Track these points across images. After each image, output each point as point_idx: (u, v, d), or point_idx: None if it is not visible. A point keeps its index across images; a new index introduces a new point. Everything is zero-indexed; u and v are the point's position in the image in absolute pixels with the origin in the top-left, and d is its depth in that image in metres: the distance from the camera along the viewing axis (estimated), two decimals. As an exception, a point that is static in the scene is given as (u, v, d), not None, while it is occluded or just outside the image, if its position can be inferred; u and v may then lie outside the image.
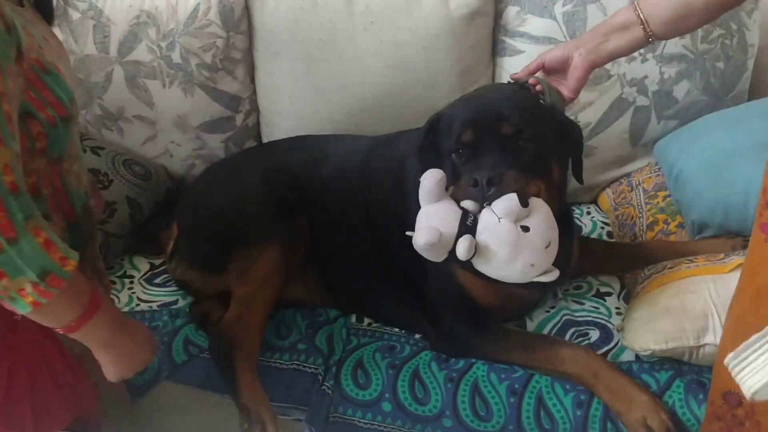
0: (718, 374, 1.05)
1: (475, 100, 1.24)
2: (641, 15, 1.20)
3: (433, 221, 1.07)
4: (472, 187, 1.10)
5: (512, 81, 1.33)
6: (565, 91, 1.27)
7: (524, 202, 1.05)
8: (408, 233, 1.09)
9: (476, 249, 1.05)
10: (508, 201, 1.05)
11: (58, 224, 1.01)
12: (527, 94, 1.26)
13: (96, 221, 1.16)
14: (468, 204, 1.10)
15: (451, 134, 1.19)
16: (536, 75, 1.31)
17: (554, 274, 1.09)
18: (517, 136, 1.15)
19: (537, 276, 1.09)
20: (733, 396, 1.01)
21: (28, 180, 0.93)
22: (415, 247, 1.06)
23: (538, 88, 1.27)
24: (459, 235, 1.05)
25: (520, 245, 1.05)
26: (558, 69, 1.28)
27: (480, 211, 1.09)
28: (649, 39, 1.21)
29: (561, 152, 1.23)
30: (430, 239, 1.04)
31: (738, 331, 0.99)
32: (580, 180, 1.28)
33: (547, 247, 1.07)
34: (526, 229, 1.05)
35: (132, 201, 1.68)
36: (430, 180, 1.10)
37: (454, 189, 1.15)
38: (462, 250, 1.04)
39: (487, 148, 1.14)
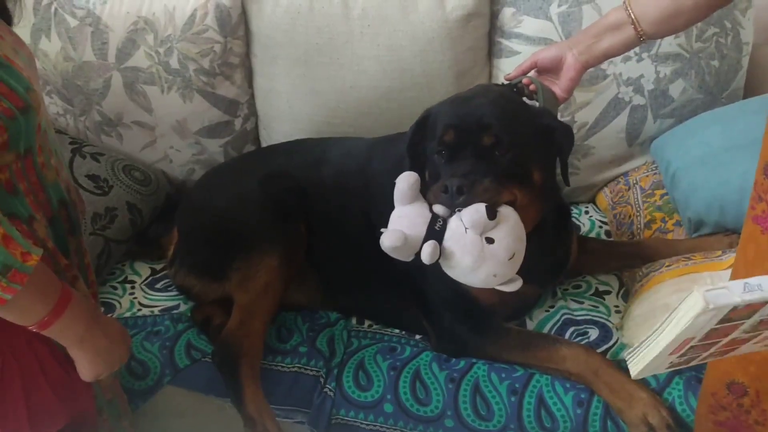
0: (718, 366, 1.06)
1: (461, 102, 1.24)
2: (632, 15, 1.21)
3: (402, 223, 1.10)
4: (443, 193, 1.11)
5: (506, 81, 1.34)
6: (558, 91, 1.28)
7: (491, 215, 1.07)
8: (380, 233, 1.10)
9: (441, 254, 1.07)
10: (476, 213, 1.07)
11: (42, 221, 1.01)
12: (513, 97, 1.27)
13: (81, 217, 1.15)
14: (439, 209, 1.11)
15: (435, 135, 1.20)
16: (529, 75, 1.31)
17: (517, 284, 1.11)
18: (495, 146, 1.15)
19: (499, 285, 1.11)
20: (738, 386, 1.01)
21: (0, 177, 0.94)
22: (382, 248, 1.08)
23: (531, 87, 1.28)
24: (426, 239, 1.07)
25: (483, 256, 1.07)
26: (551, 69, 1.29)
27: (450, 216, 1.11)
28: (641, 38, 1.22)
29: (545, 155, 1.23)
30: (394, 242, 1.06)
31: None
32: (566, 182, 1.29)
33: (510, 259, 1.09)
34: (490, 240, 1.07)
35: (132, 207, 1.69)
36: (404, 182, 1.12)
37: (429, 191, 1.16)
38: (425, 255, 1.06)
39: (465, 153, 1.15)
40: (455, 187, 1.09)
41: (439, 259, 1.07)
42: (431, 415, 1.29)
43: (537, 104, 1.28)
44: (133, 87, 1.76)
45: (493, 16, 1.75)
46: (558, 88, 1.28)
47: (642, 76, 1.70)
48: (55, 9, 1.74)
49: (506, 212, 1.11)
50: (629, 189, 1.73)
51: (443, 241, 1.08)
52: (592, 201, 1.86)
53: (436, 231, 1.08)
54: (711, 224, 1.46)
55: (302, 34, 1.71)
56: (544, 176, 1.22)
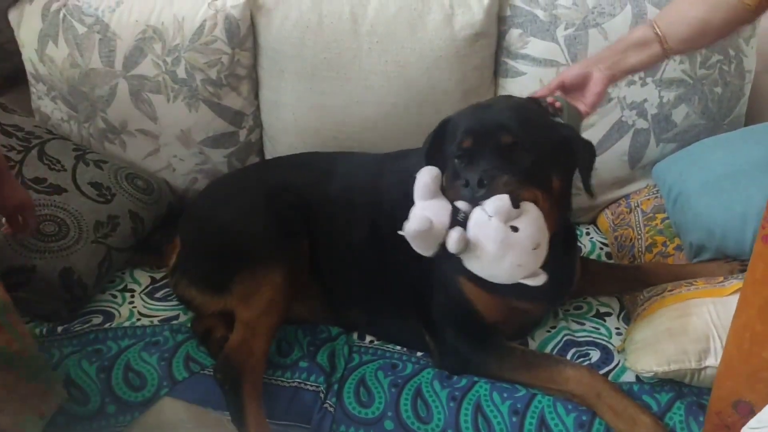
0: (724, 385, 1.06)
1: (481, 108, 1.27)
2: (659, 32, 1.24)
3: (425, 214, 1.08)
4: (463, 187, 1.12)
5: (528, 98, 1.36)
6: (583, 107, 1.31)
7: (515, 204, 1.07)
8: (400, 232, 1.09)
9: (466, 244, 1.06)
10: (499, 200, 1.07)
11: None
12: (533, 106, 1.29)
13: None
14: (460, 204, 1.11)
15: (454, 140, 1.22)
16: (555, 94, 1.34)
17: (541, 278, 1.11)
18: (514, 146, 1.17)
19: (524, 278, 1.10)
20: (745, 405, 1.02)
21: None
22: (406, 235, 1.07)
23: (557, 105, 1.30)
24: (450, 228, 1.07)
25: (508, 243, 1.06)
26: (577, 86, 1.32)
27: (471, 211, 1.11)
28: (667, 55, 1.25)
29: (564, 166, 1.25)
30: (420, 226, 1.05)
31: (745, 339, 1.00)
32: (590, 193, 1.30)
33: (535, 249, 1.09)
34: (515, 229, 1.07)
35: (134, 215, 1.67)
36: (427, 176, 1.12)
37: (448, 192, 1.16)
38: (453, 242, 1.05)
39: (484, 155, 1.17)
40: (476, 180, 1.10)
41: (463, 251, 1.06)
42: (432, 433, 1.28)
43: (561, 121, 1.30)
44: (138, 95, 1.76)
45: (501, 36, 1.77)
46: (583, 103, 1.31)
47: (646, 100, 1.72)
48: (64, 15, 1.74)
49: (528, 206, 1.12)
50: (630, 212, 1.74)
51: (466, 231, 1.07)
52: (593, 222, 1.87)
53: (459, 222, 1.07)
54: (712, 250, 1.47)
55: (310, 48, 1.72)
56: (563, 186, 1.23)
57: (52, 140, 1.70)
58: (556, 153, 1.21)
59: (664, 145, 1.76)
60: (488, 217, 1.06)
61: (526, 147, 1.17)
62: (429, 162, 1.25)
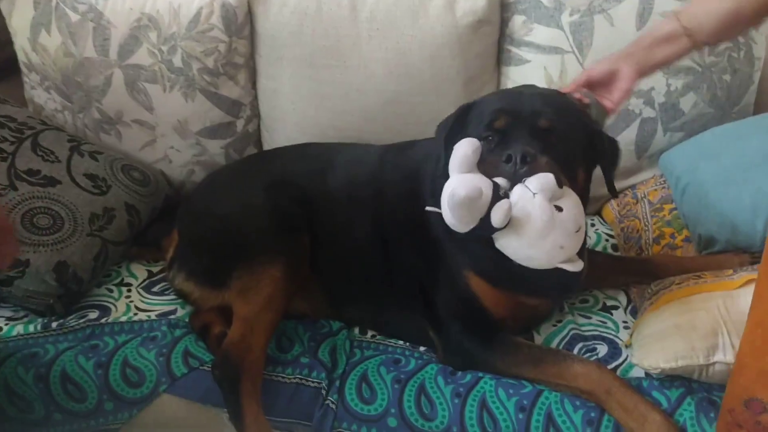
0: (737, 382, 1.04)
1: (512, 93, 1.25)
2: (687, 26, 1.21)
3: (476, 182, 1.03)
4: (504, 163, 1.08)
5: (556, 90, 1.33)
6: (608, 104, 1.28)
7: (560, 183, 1.04)
8: (429, 209, 1.05)
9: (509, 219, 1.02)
10: (544, 178, 1.04)
11: None
12: (564, 97, 1.26)
13: None
14: (500, 180, 1.07)
15: (483, 121, 1.18)
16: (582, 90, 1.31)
17: (579, 265, 1.07)
18: (550, 131, 1.15)
19: (562, 262, 1.06)
20: (756, 403, 0.99)
21: None
22: (450, 203, 1.01)
23: (585, 101, 1.27)
24: (492, 203, 1.02)
25: (553, 222, 1.03)
26: (603, 82, 1.29)
27: (511, 189, 1.06)
28: (697, 48, 1.23)
29: (589, 161, 1.23)
30: (471, 192, 0.99)
31: (758, 336, 0.98)
32: (613, 193, 1.29)
33: (576, 232, 1.06)
34: (559, 208, 1.03)
35: (130, 207, 1.64)
36: (467, 147, 1.06)
37: (483, 168, 1.11)
38: (499, 215, 1.00)
39: (518, 135, 1.14)
40: (519, 156, 1.07)
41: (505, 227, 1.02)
42: (436, 430, 1.25)
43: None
44: (134, 85, 1.72)
45: (504, 23, 1.73)
46: (608, 100, 1.28)
47: (653, 88, 1.68)
48: (56, 3, 1.70)
49: (568, 189, 1.09)
50: (637, 202, 1.71)
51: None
52: (599, 213, 1.84)
53: (500, 197, 1.03)
54: (722, 242, 1.44)
55: (309, 36, 1.68)
56: (586, 181, 1.21)
57: (45, 131, 1.66)
58: (584, 147, 1.19)
59: (671, 135, 1.72)
60: (532, 195, 1.02)
61: (560, 134, 1.15)
62: (446, 147, 1.20)
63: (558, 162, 1.13)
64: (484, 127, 1.17)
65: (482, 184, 1.04)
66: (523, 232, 1.03)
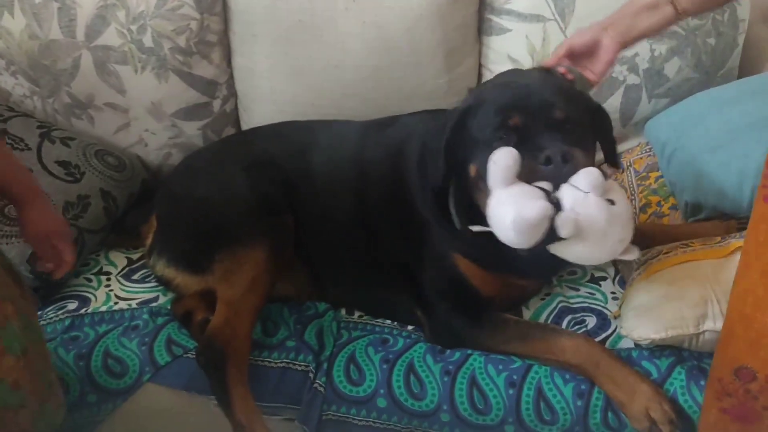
0: (725, 351, 1.03)
1: (511, 87, 1.17)
2: None
3: (519, 204, 0.99)
4: (544, 166, 1.03)
5: (540, 68, 1.29)
6: (591, 75, 1.25)
7: (605, 175, 1.01)
8: (475, 228, 1.01)
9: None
10: (591, 174, 1.00)
11: None
12: (562, 81, 1.22)
13: None
14: (544, 185, 1.03)
15: (491, 122, 1.12)
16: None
17: (635, 252, 1.04)
18: (566, 120, 1.11)
19: (621, 254, 1.03)
20: (746, 371, 0.99)
21: None
22: (519, 227, 0.97)
23: (569, 77, 1.24)
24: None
25: (612, 218, 1.00)
26: (585, 53, 1.25)
27: (554, 191, 1.02)
28: (680, 17, 1.20)
29: (593, 138, 1.20)
30: (541, 212, 0.95)
31: (747, 304, 0.97)
32: (616, 165, 1.26)
33: (630, 220, 1.03)
34: (612, 202, 1.00)
35: (106, 194, 1.60)
36: (508, 158, 1.01)
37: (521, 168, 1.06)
38: (567, 226, 0.96)
39: (539, 131, 1.09)
40: (560, 156, 1.02)
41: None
42: (426, 409, 1.24)
43: None
44: (104, 67, 1.66)
45: (484, -9, 1.69)
46: (591, 72, 1.25)
47: (637, 54, 1.65)
48: None
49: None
50: (623, 172, 1.69)
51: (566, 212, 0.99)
52: (584, 183, 1.82)
53: (555, 205, 0.99)
54: (709, 208, 1.43)
55: (283, 10, 1.63)
56: (593, 159, 1.17)
57: (14, 118, 1.61)
58: (588, 125, 1.16)
59: (656, 101, 1.70)
60: (584, 194, 0.99)
61: (575, 121, 1.11)
62: (449, 155, 1.16)
63: (584, 150, 1.09)
64: (495, 127, 1.11)
65: (539, 196, 1.00)
66: (587, 236, 0.99)
